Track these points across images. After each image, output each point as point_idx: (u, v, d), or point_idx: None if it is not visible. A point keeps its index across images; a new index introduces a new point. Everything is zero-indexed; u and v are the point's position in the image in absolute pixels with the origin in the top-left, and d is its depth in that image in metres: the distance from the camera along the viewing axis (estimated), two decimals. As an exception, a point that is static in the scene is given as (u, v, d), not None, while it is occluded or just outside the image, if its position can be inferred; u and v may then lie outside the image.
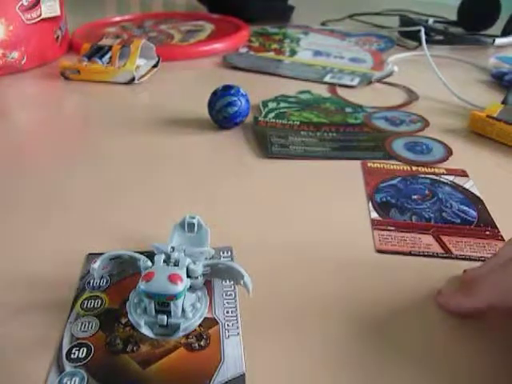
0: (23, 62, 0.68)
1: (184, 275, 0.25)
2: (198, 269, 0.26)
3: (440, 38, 0.83)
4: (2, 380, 0.25)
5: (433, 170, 0.45)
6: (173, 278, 0.25)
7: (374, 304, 0.30)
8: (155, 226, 0.37)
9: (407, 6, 1.07)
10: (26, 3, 0.65)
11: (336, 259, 0.34)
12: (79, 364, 0.26)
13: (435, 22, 0.94)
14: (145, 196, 0.41)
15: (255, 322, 0.28)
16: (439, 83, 0.62)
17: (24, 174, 0.44)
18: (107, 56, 0.66)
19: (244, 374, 0.25)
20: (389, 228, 0.37)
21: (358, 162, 0.46)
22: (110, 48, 0.67)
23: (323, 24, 0.97)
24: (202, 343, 0.27)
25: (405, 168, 0.45)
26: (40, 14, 0.68)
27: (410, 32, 0.83)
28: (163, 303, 0.26)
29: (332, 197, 0.41)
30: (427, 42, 0.72)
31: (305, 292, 0.31)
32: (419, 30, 0.73)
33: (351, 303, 0.30)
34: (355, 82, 0.66)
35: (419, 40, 0.73)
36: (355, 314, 0.29)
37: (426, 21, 0.91)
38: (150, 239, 0.34)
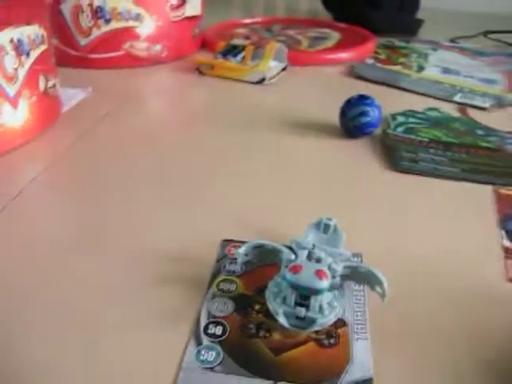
0: (164, 55, 0.73)
1: (328, 273, 0.26)
2: (339, 269, 0.27)
3: None
4: (143, 345, 0.28)
5: None
6: (319, 274, 0.26)
7: (503, 336, 0.29)
8: (280, 222, 0.38)
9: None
10: (174, 2, 0.70)
11: (463, 285, 0.33)
12: (215, 340, 0.28)
13: None
14: (273, 193, 0.42)
15: (382, 331, 0.29)
16: None
17: (170, 161, 0.48)
18: (240, 55, 0.70)
19: (372, 379, 0.26)
20: (525, 259, 0.35)
21: (488, 187, 0.44)
22: (244, 48, 0.70)
23: (452, 40, 0.93)
24: (331, 341, 0.28)
25: (543, 199, 0.43)
26: (184, 13, 0.73)
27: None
28: (304, 296, 0.27)
29: (459, 219, 0.40)
30: None
31: (429, 314, 0.30)
32: None
33: (480, 333, 0.29)
34: (487, 103, 0.63)
35: None
36: (482, 345, 0.28)
37: None
38: (276, 234, 0.36)
